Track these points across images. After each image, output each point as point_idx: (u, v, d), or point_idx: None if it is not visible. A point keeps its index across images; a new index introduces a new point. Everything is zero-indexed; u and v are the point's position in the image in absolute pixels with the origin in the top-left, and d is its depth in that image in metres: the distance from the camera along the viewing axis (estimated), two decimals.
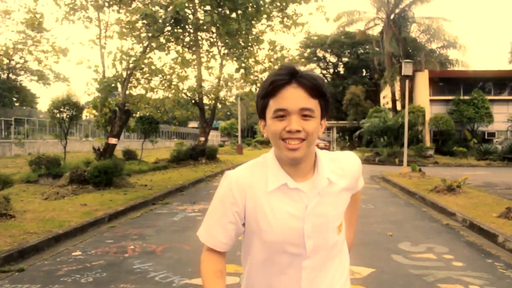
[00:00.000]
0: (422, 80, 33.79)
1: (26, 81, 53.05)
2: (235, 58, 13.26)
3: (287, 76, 1.45)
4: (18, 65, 48.09)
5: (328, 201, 1.55)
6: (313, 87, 1.45)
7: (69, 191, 11.45)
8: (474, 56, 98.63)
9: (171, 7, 10.59)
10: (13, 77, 49.69)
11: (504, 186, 14.87)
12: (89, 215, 8.24)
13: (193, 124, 66.19)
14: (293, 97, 1.44)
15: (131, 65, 12.57)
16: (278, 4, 18.10)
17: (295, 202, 1.52)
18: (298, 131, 1.43)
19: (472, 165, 25.96)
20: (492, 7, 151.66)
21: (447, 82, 35.05)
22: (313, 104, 1.46)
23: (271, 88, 1.46)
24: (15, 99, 50.55)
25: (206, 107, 25.39)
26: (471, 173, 17.96)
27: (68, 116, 16.48)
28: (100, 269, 5.32)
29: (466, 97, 32.27)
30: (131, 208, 9.61)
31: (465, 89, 33.45)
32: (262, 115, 1.54)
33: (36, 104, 56.30)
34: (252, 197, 1.53)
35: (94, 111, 13.19)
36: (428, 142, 32.24)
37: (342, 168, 1.61)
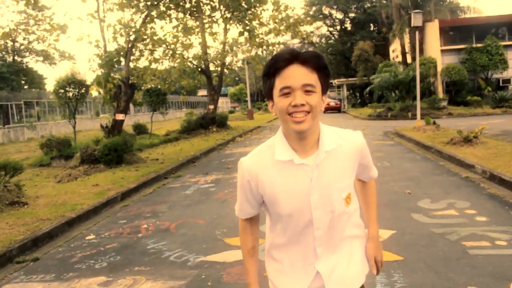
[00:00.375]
0: (432, 30, 32.88)
1: (32, 63, 52.97)
2: (238, 21, 12.86)
3: (289, 56, 1.61)
4: (22, 47, 47.87)
5: (329, 173, 1.70)
6: (313, 61, 1.61)
7: (81, 171, 11.38)
8: (486, 1, 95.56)
9: None
10: (19, 59, 49.47)
11: None
12: (102, 196, 8.14)
13: (203, 92, 65.58)
14: (296, 74, 1.60)
15: (132, 37, 12.24)
16: None
17: (300, 177, 1.69)
18: (303, 105, 1.59)
19: (488, 114, 25.50)
20: None
21: (458, 30, 34.06)
22: (314, 80, 1.62)
23: (275, 67, 1.62)
24: (23, 82, 50.51)
25: (214, 74, 25.05)
26: (487, 122, 17.59)
27: (74, 95, 16.33)
28: (114, 252, 5.19)
29: (479, 45, 31.43)
30: (143, 184, 9.49)
31: (477, 36, 32.54)
32: (269, 96, 1.70)
33: (44, 85, 56.18)
34: (262, 179, 1.73)
35: (98, 88, 12.95)
36: (441, 93, 31.64)
37: (343, 137, 1.77)
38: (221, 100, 70.84)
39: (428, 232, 5.10)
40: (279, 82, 1.62)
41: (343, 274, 1.81)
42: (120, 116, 12.80)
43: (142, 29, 12.74)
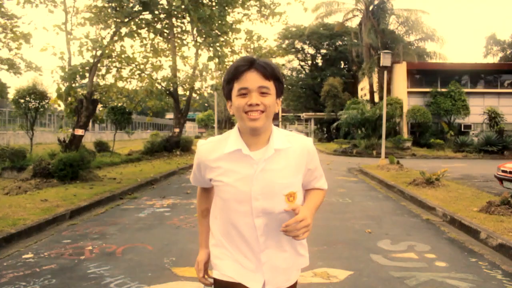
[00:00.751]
0: (400, 72, 33.69)
1: None
2: (208, 47, 12.68)
3: (247, 63, 1.78)
4: None
5: (274, 169, 1.84)
6: (267, 71, 1.78)
7: (32, 185, 10.80)
8: (451, 49, 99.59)
9: None
10: None
11: (482, 178, 14.71)
12: (49, 212, 7.65)
13: (171, 115, 65.13)
14: (253, 78, 1.76)
15: (98, 53, 11.88)
16: None
17: (246, 167, 1.83)
18: (257, 104, 1.76)
19: (449, 157, 25.96)
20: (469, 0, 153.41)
21: (424, 74, 35.04)
22: (269, 84, 1.79)
23: (235, 73, 1.78)
24: None
25: (182, 98, 24.77)
26: (449, 165, 17.82)
27: (34, 106, 15.75)
28: (50, 274, 4.77)
29: (443, 90, 32.33)
30: (96, 203, 9.02)
31: (442, 81, 33.52)
32: (228, 97, 1.87)
33: (7, 94, 54.39)
34: (212, 164, 1.90)
35: (58, 101, 12.46)
36: (405, 134, 32.20)
37: (291, 141, 1.91)
38: (189, 125, 70.44)
39: (386, 275, 4.89)
40: (238, 85, 1.78)
41: (280, 266, 1.93)
42: (79, 131, 12.31)
43: (110, 45, 12.42)
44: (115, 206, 9.11)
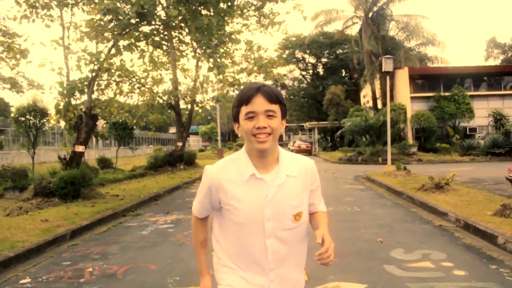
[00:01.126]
0: (402, 77, 33.48)
1: None
2: (207, 57, 12.50)
3: (255, 89, 1.88)
4: None
5: (284, 192, 1.93)
6: (272, 96, 1.89)
7: (33, 205, 10.56)
8: (453, 53, 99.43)
9: (135, 1, 9.78)
10: None
11: (491, 181, 14.41)
12: (49, 233, 7.40)
13: (174, 129, 65.06)
14: (260, 103, 1.86)
15: (96, 67, 11.70)
16: (255, 2, 17.46)
17: (258, 191, 1.91)
18: (265, 127, 1.85)
19: (456, 161, 25.65)
20: (469, 3, 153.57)
21: (427, 79, 34.82)
22: (275, 107, 1.89)
23: (244, 98, 1.88)
24: None
25: (185, 111, 24.59)
26: (456, 169, 17.52)
27: (34, 123, 15.57)
28: None
29: (447, 94, 32.04)
30: (98, 221, 8.77)
31: (445, 85, 33.27)
32: (236, 119, 1.96)
33: (10, 113, 54.49)
34: (224, 188, 1.93)
35: (57, 117, 12.25)
36: (410, 139, 31.90)
37: (299, 164, 2.03)
38: (193, 138, 70.29)
39: (402, 287, 4.61)
40: (245, 108, 1.88)
41: (288, 283, 2.02)
42: (79, 148, 12.09)
43: (108, 59, 12.25)
44: (117, 224, 8.86)
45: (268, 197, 1.90)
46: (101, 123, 24.34)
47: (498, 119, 30.47)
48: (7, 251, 6.21)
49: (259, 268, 1.96)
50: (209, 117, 76.90)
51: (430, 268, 5.22)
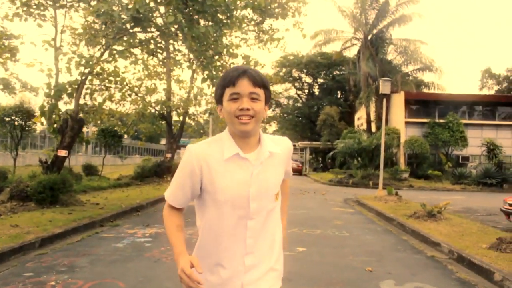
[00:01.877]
0: (398, 101, 33.36)
1: None
2: (203, 68, 12.15)
3: (240, 72, 1.89)
4: None
5: (268, 170, 1.97)
6: (258, 79, 1.89)
7: (7, 208, 10.10)
8: (448, 80, 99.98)
9: (131, 5, 9.44)
10: None
11: (484, 212, 14.10)
12: (16, 239, 6.92)
13: (165, 141, 64.56)
14: (244, 85, 1.87)
15: (86, 70, 11.31)
16: (255, 17, 17.22)
17: (243, 170, 1.92)
18: (248, 109, 1.86)
19: (448, 189, 25.36)
20: (468, 32, 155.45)
21: (422, 104, 34.70)
22: (259, 91, 1.90)
23: (228, 79, 1.89)
24: None
25: (177, 123, 24.22)
26: (448, 197, 17.21)
27: (19, 124, 15.14)
28: None
29: (441, 120, 31.88)
30: (72, 230, 8.29)
31: (440, 112, 33.16)
32: (219, 101, 1.96)
33: None
34: (208, 165, 1.90)
35: (42, 119, 11.80)
36: (402, 165, 31.63)
37: (279, 144, 2.06)
38: (183, 151, 69.59)
39: None
40: (230, 90, 1.87)
41: (263, 269, 1.98)
42: (62, 152, 11.63)
43: (99, 63, 11.88)
44: (93, 234, 8.38)
45: (253, 176, 1.90)
46: (92, 130, 23.91)
47: (491, 149, 30.27)
48: None
49: (233, 254, 1.92)
50: (201, 131, 76.49)
51: None
